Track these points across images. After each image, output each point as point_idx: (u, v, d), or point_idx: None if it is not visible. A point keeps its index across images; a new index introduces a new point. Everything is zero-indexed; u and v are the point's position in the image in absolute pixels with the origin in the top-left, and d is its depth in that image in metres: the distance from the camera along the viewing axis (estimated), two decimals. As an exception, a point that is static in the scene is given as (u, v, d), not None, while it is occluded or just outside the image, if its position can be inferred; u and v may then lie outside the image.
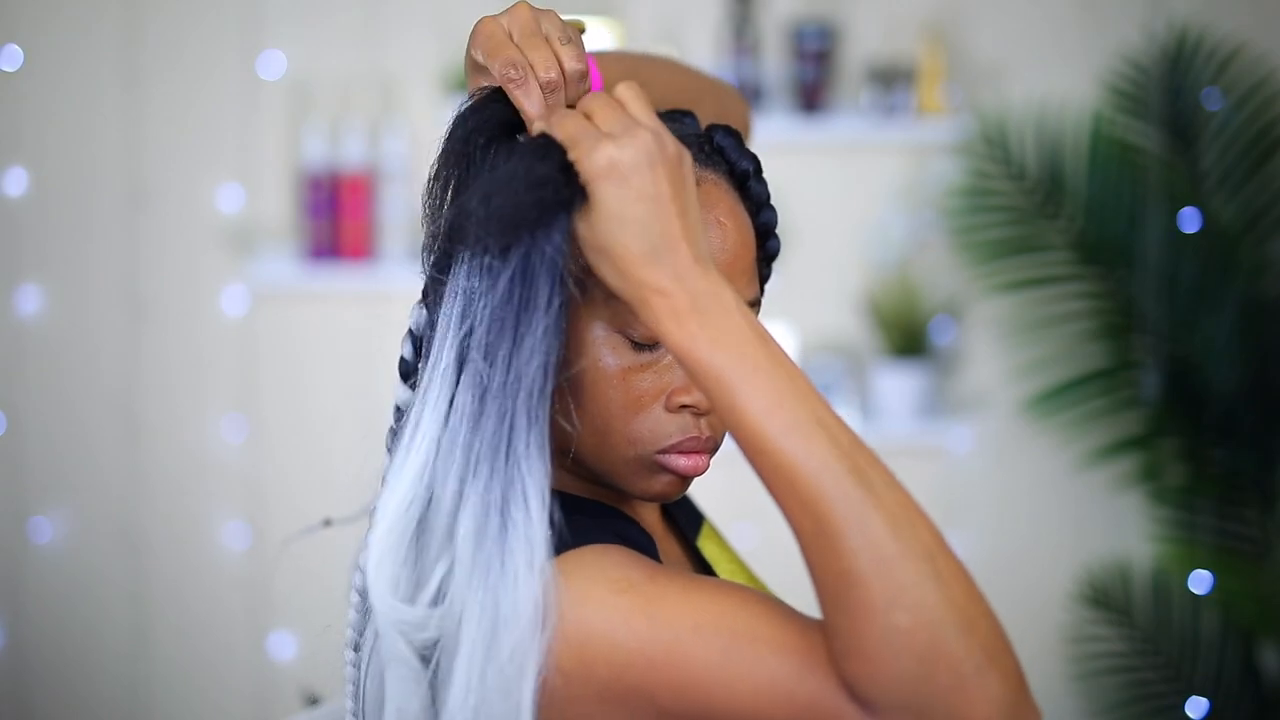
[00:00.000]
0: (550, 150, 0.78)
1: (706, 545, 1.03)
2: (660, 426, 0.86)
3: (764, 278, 0.95)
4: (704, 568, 1.01)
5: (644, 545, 0.90)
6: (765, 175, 0.94)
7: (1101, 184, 2.68)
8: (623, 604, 0.78)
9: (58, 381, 2.73)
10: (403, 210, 2.68)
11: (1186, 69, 2.66)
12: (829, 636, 0.73)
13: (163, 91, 2.70)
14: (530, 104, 0.82)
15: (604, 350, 0.85)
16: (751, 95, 2.70)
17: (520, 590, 0.77)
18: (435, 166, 0.85)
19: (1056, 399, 2.73)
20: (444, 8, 2.69)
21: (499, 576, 0.77)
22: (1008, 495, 2.84)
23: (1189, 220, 2.65)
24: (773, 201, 0.95)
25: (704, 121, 1.02)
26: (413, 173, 2.70)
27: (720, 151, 0.92)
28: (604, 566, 0.80)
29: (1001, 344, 2.80)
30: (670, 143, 0.77)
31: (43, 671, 2.75)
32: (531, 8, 0.85)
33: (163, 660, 2.77)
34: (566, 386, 0.86)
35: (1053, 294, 2.74)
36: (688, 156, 0.79)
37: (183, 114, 2.71)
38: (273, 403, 2.75)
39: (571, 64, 0.83)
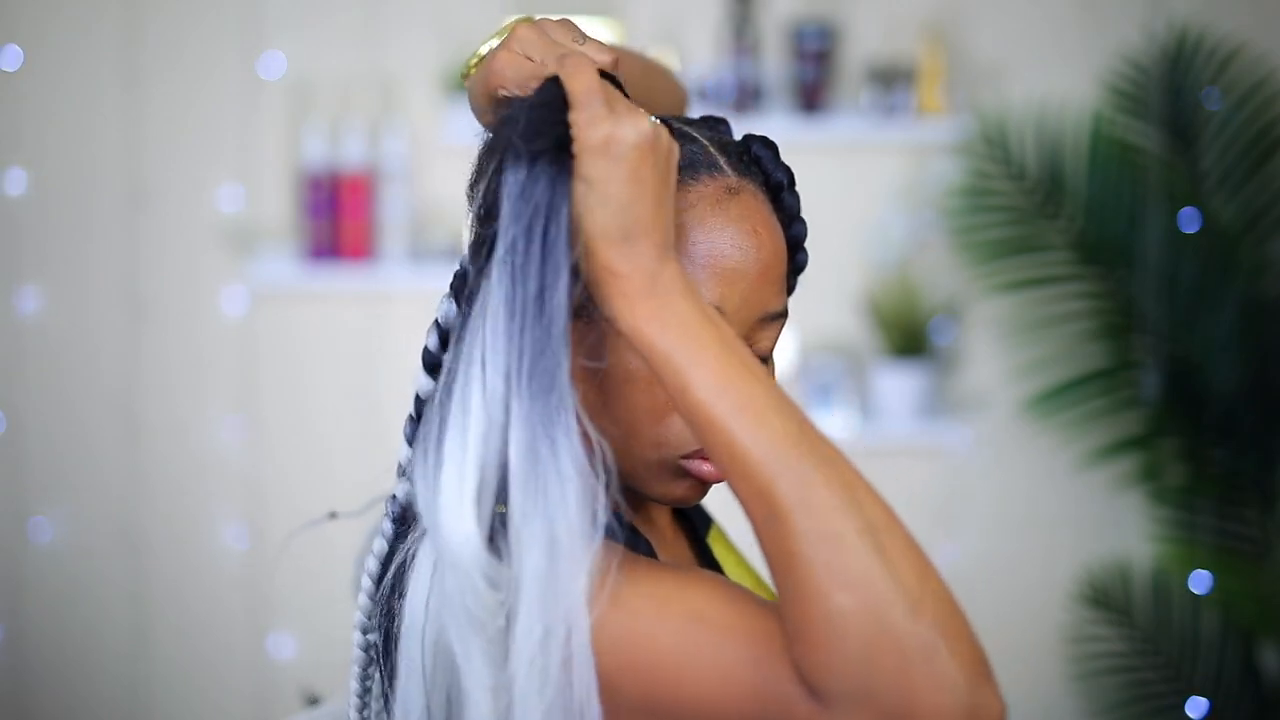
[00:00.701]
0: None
1: (715, 545, 1.03)
2: (686, 432, 0.87)
3: (790, 289, 0.96)
4: (712, 565, 1.01)
5: (637, 545, 0.90)
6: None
7: (1101, 184, 2.68)
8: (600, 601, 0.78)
9: (58, 381, 2.73)
10: (403, 210, 2.68)
11: (1186, 69, 2.66)
12: (784, 622, 0.73)
13: (163, 91, 2.70)
14: (585, 85, 0.80)
15: (633, 354, 0.85)
16: (751, 95, 2.70)
17: (571, 504, 0.76)
18: (481, 153, 0.84)
19: (1056, 399, 2.73)
20: (444, 8, 2.69)
21: (557, 494, 0.76)
22: (1008, 495, 2.84)
23: (1189, 220, 2.65)
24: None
25: (658, 106, 1.03)
26: (413, 173, 2.70)
27: (757, 161, 0.92)
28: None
29: (1001, 344, 2.80)
30: (665, 136, 0.78)
31: (43, 671, 2.75)
32: (531, 24, 0.85)
33: (163, 660, 2.77)
34: (596, 384, 0.86)
35: (1053, 294, 2.74)
36: (676, 153, 0.80)
37: (183, 114, 2.71)
38: (273, 403, 2.75)
39: (601, 58, 0.84)
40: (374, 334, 2.72)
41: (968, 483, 2.84)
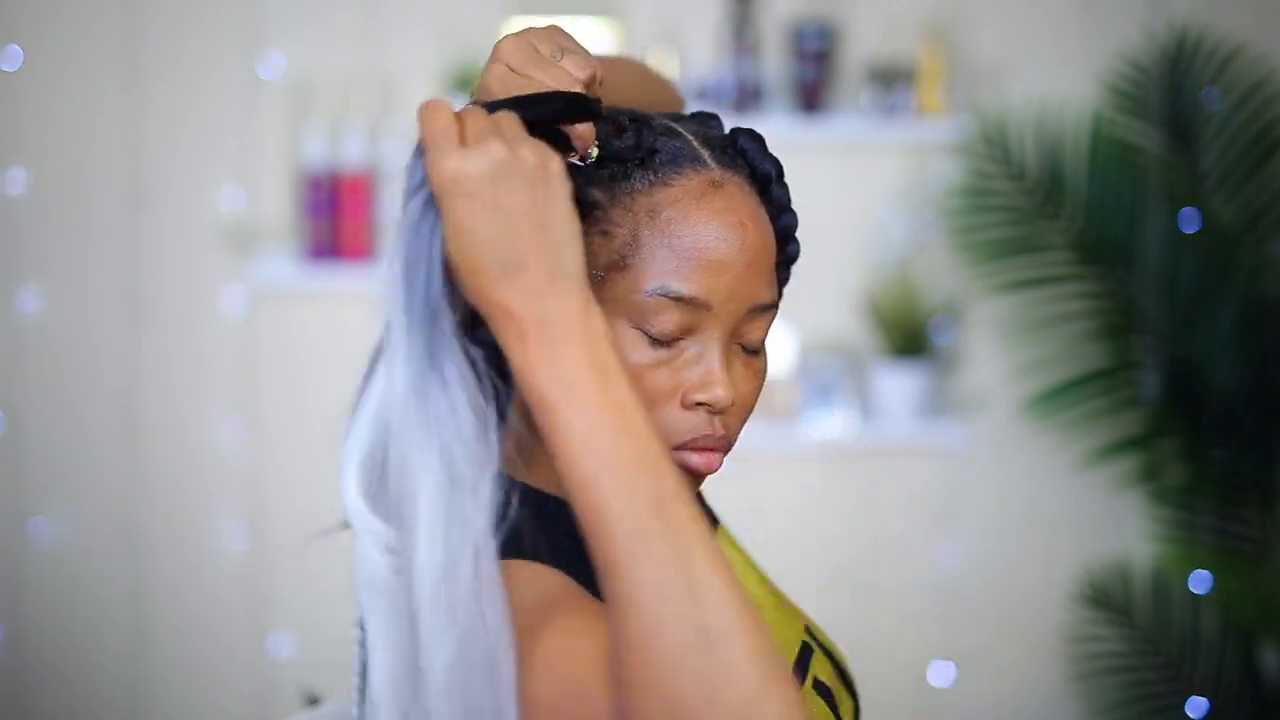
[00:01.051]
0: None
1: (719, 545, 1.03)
2: (676, 423, 0.87)
3: (783, 281, 0.96)
4: None
5: None
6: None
7: (1101, 184, 2.68)
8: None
9: (58, 381, 2.73)
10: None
11: (1186, 69, 2.66)
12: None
13: (163, 91, 2.70)
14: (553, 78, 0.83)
15: (624, 345, 0.86)
16: (751, 95, 2.70)
17: (467, 430, 0.77)
18: None
19: (1056, 399, 2.73)
20: (444, 8, 2.69)
21: (450, 424, 0.77)
22: (1008, 495, 2.84)
23: (1189, 220, 2.65)
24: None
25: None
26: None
27: (743, 154, 0.92)
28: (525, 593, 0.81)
29: (1001, 344, 2.80)
30: (529, 153, 0.76)
31: (43, 671, 2.75)
32: (515, 37, 0.85)
33: (163, 660, 2.77)
34: None
35: (1053, 294, 2.74)
36: (555, 164, 0.77)
37: (183, 114, 2.71)
38: (273, 403, 2.75)
39: (580, 74, 0.84)
40: (374, 334, 2.72)
41: (968, 483, 2.84)
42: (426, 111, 0.78)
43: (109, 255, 2.72)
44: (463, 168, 0.75)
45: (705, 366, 0.87)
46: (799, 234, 0.97)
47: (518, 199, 0.75)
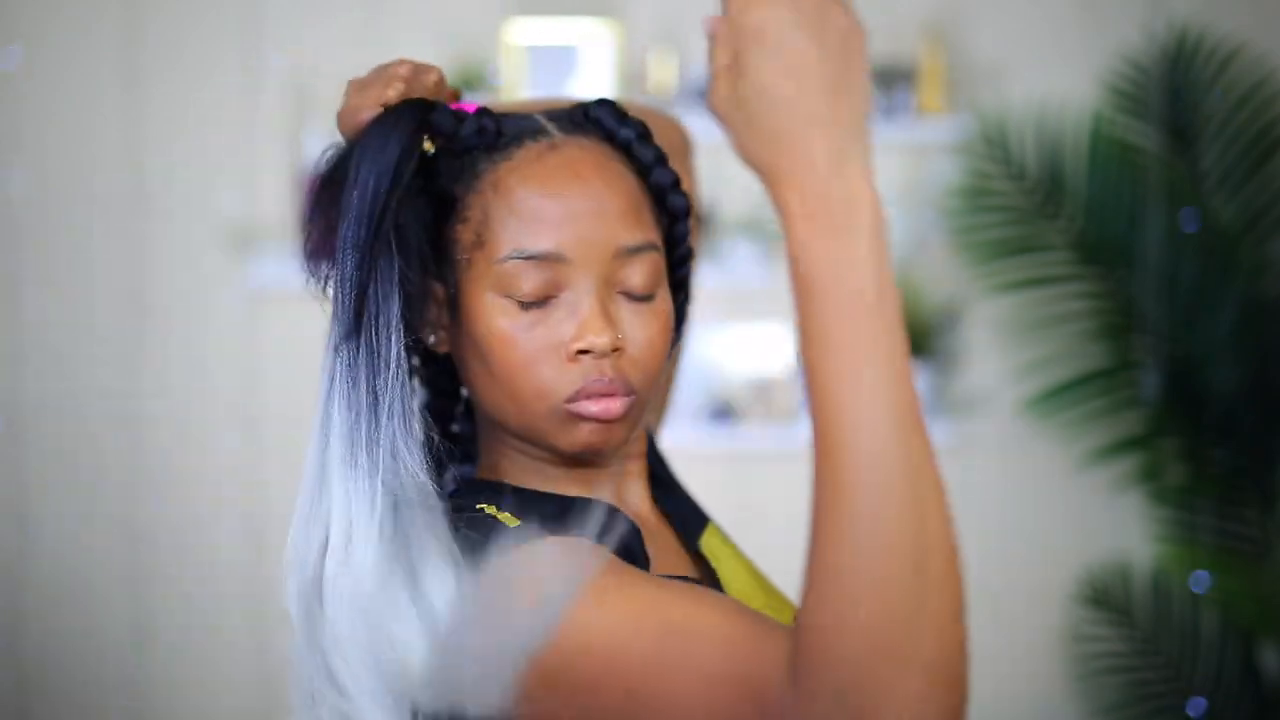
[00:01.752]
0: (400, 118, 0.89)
1: (710, 541, 1.03)
2: (562, 376, 0.88)
3: (683, 235, 0.96)
4: (704, 568, 1.01)
5: (625, 532, 0.90)
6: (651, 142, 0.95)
7: (1101, 184, 2.68)
8: (572, 596, 0.78)
9: (58, 381, 2.73)
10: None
11: (1186, 69, 2.66)
12: (803, 594, 0.72)
13: (163, 91, 2.70)
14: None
15: (495, 314, 0.88)
16: (751, 95, 2.70)
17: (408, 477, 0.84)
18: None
19: (1056, 399, 2.73)
20: (444, 8, 2.69)
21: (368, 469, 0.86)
22: (1008, 495, 2.84)
23: (1189, 220, 2.65)
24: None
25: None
26: (413, 173, 2.70)
27: (595, 121, 0.93)
28: (557, 559, 0.81)
29: (1001, 344, 2.80)
30: (839, 13, 0.71)
31: (43, 671, 2.75)
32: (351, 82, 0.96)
33: (163, 660, 2.77)
34: (477, 356, 0.89)
35: (1053, 294, 2.74)
36: (860, 34, 0.71)
37: (183, 114, 2.71)
38: (273, 402, 2.75)
39: (398, 70, 0.93)
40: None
41: (968, 483, 2.84)
42: None
43: (109, 255, 2.72)
44: (769, 18, 0.70)
45: (578, 316, 0.87)
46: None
47: (824, 54, 0.70)
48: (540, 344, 0.88)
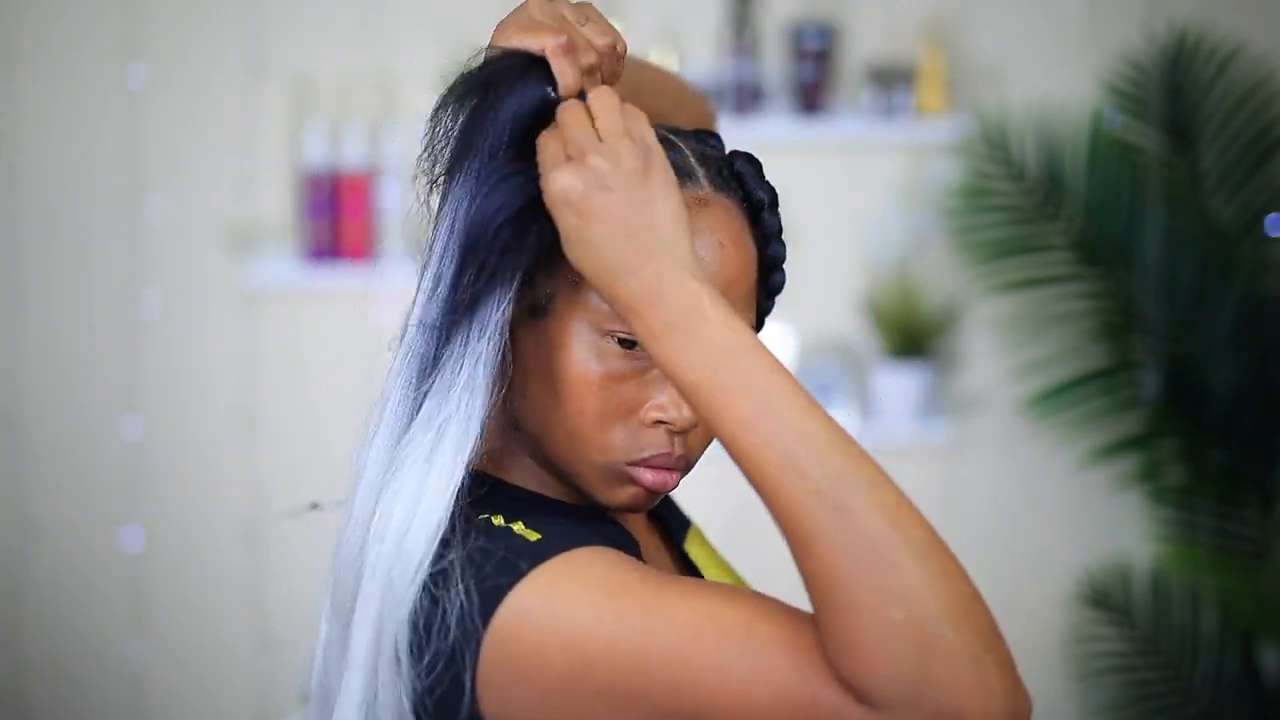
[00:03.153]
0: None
1: (693, 548, 1.03)
2: (634, 439, 0.86)
3: (766, 311, 0.95)
4: (690, 571, 1.00)
5: (628, 547, 0.89)
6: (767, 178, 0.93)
7: (1101, 184, 2.68)
8: (618, 607, 0.78)
9: (57, 380, 2.73)
10: (403, 210, 2.68)
11: (1186, 69, 2.66)
12: (823, 635, 0.74)
13: (163, 91, 2.70)
14: (574, 74, 0.83)
15: (588, 353, 0.85)
16: (751, 95, 2.70)
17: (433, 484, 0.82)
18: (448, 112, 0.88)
19: (1056, 399, 2.73)
20: (444, 7, 2.69)
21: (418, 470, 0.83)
22: (1008, 495, 2.84)
23: (1189, 220, 2.65)
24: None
25: (683, 125, 1.02)
26: (413, 172, 2.70)
27: (739, 178, 0.90)
28: (597, 568, 0.80)
29: (1001, 344, 2.80)
30: (628, 155, 0.78)
31: (42, 671, 2.75)
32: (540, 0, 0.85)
33: (163, 659, 2.76)
34: (547, 379, 0.86)
35: (1053, 294, 2.74)
36: (658, 156, 0.79)
37: (183, 114, 2.71)
38: (273, 403, 2.75)
39: (599, 40, 0.84)
40: (374, 334, 2.72)
41: (968, 483, 2.84)
42: (542, 142, 0.81)
43: (109, 255, 2.72)
44: (570, 184, 0.78)
45: (668, 384, 0.85)
46: (797, 232, 0.96)
47: (620, 208, 0.78)
48: (624, 400, 0.86)
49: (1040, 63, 2.77)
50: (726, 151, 0.93)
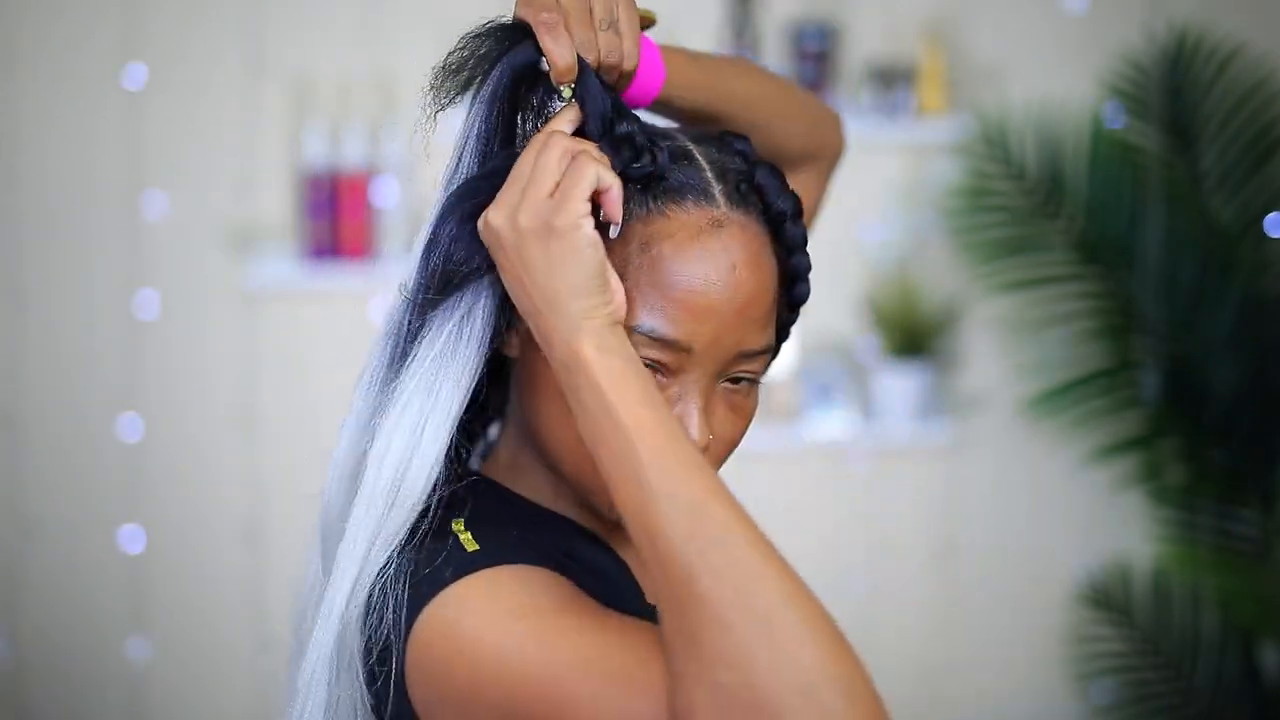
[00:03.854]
0: None
1: None
2: None
3: (790, 323, 0.94)
4: None
5: (603, 566, 0.90)
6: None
7: (1101, 184, 2.68)
8: (519, 629, 0.78)
9: (56, 381, 2.73)
10: (402, 210, 2.68)
11: (1186, 69, 2.66)
12: (673, 695, 0.73)
13: (163, 91, 2.70)
14: (559, 52, 0.83)
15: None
16: (751, 95, 2.70)
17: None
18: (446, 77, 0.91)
19: (1056, 399, 2.73)
20: (444, 7, 2.69)
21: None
22: (1008, 495, 2.84)
23: (1189, 220, 2.65)
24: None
25: (788, 139, 1.01)
26: (413, 172, 2.70)
27: (759, 191, 0.89)
28: (511, 589, 0.81)
29: (1001, 344, 2.80)
30: (526, 213, 0.79)
31: (42, 672, 2.75)
32: None
33: (163, 659, 2.76)
34: (554, 395, 0.85)
35: (1053, 294, 2.74)
36: (582, 235, 0.78)
37: (183, 114, 2.71)
38: (273, 402, 2.75)
39: (605, 57, 0.84)
40: (374, 334, 2.72)
41: (968, 483, 2.84)
42: (527, 150, 0.83)
43: (109, 255, 2.72)
44: (498, 225, 0.81)
45: (681, 409, 0.85)
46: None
47: (514, 263, 0.80)
48: None
49: (1040, 63, 2.77)
50: (754, 159, 0.91)
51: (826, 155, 1.13)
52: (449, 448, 0.84)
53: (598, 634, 0.77)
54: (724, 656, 0.69)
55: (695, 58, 1.00)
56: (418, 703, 0.82)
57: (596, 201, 0.80)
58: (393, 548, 0.83)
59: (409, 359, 0.86)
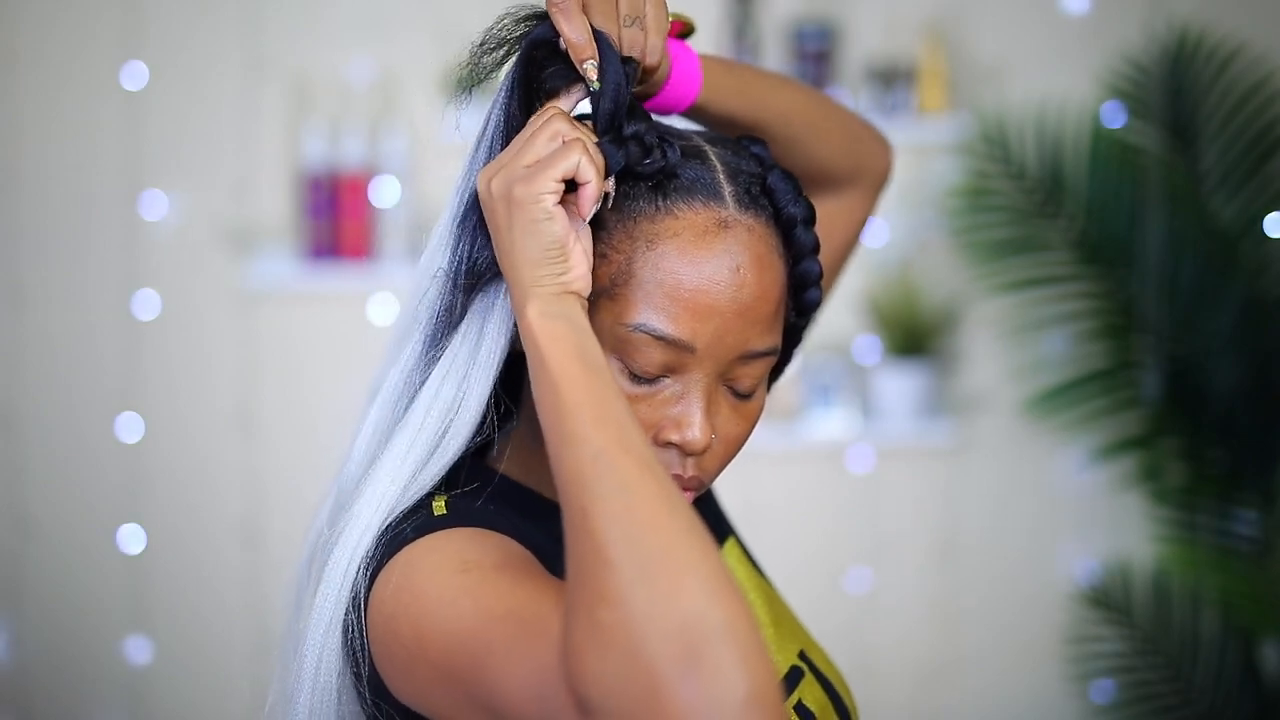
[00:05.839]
0: None
1: (729, 557, 1.02)
2: (662, 454, 0.86)
3: (800, 329, 0.93)
4: None
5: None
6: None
7: (1101, 184, 2.68)
8: (457, 583, 0.79)
9: (56, 381, 2.73)
10: (402, 210, 2.68)
11: (1187, 68, 2.66)
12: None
13: (163, 91, 2.70)
14: (571, 28, 0.83)
15: (617, 376, 0.85)
16: (751, 95, 2.70)
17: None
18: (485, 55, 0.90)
19: (1056, 399, 2.73)
20: (444, 8, 2.69)
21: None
22: (1008, 495, 2.84)
23: (1189, 220, 2.65)
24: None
25: (828, 156, 1.01)
26: (413, 172, 2.70)
27: (770, 194, 0.88)
28: (462, 547, 0.82)
29: (1001, 344, 2.80)
30: (500, 178, 0.81)
31: (42, 672, 2.75)
32: None
33: (162, 658, 2.76)
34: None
35: (1053, 294, 2.74)
36: (519, 189, 0.79)
37: (183, 114, 2.71)
38: (272, 403, 2.75)
39: (627, 50, 0.84)
40: (374, 333, 2.72)
41: (968, 483, 2.84)
42: (532, 121, 0.83)
43: (108, 254, 2.72)
44: (479, 185, 0.82)
45: (683, 408, 0.85)
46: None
47: (500, 225, 0.81)
48: (639, 419, 0.85)
49: (1040, 63, 2.77)
50: (769, 163, 0.91)
51: (870, 175, 1.11)
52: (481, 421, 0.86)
53: (525, 589, 0.77)
54: (606, 594, 0.68)
55: (733, 68, 1.00)
56: (376, 659, 0.83)
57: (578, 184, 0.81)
58: (424, 494, 0.86)
59: (457, 330, 0.88)
